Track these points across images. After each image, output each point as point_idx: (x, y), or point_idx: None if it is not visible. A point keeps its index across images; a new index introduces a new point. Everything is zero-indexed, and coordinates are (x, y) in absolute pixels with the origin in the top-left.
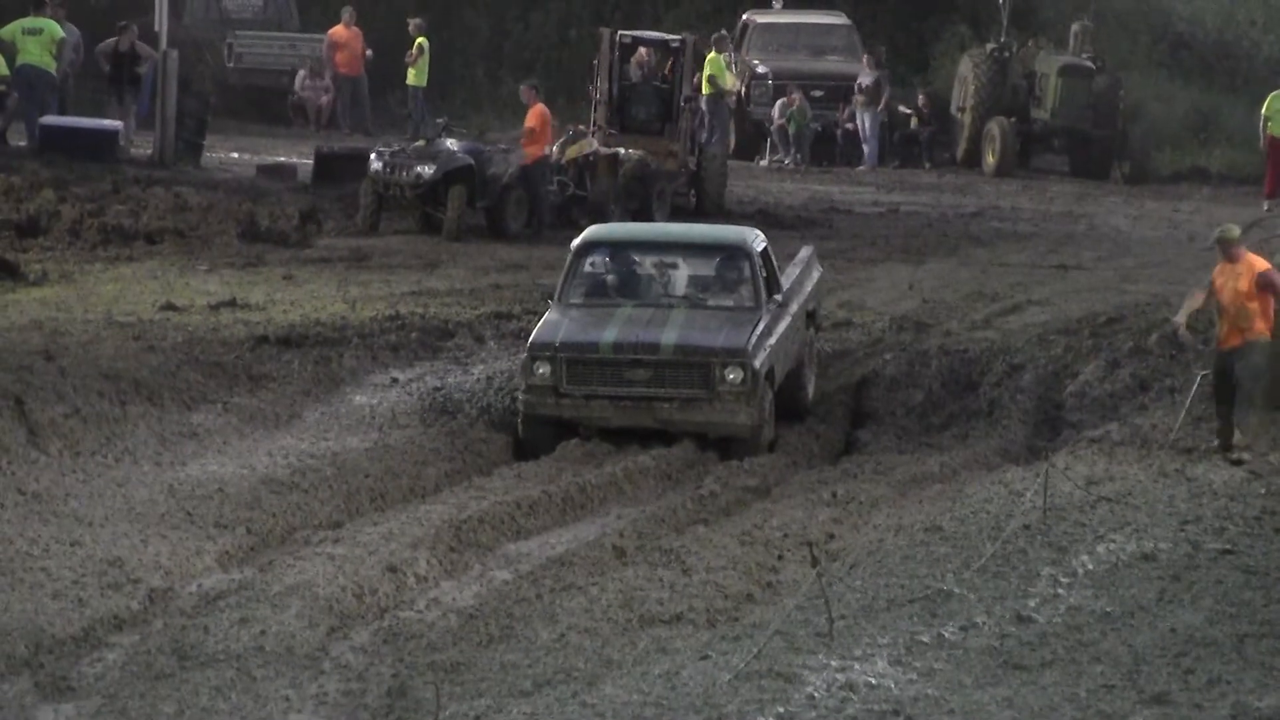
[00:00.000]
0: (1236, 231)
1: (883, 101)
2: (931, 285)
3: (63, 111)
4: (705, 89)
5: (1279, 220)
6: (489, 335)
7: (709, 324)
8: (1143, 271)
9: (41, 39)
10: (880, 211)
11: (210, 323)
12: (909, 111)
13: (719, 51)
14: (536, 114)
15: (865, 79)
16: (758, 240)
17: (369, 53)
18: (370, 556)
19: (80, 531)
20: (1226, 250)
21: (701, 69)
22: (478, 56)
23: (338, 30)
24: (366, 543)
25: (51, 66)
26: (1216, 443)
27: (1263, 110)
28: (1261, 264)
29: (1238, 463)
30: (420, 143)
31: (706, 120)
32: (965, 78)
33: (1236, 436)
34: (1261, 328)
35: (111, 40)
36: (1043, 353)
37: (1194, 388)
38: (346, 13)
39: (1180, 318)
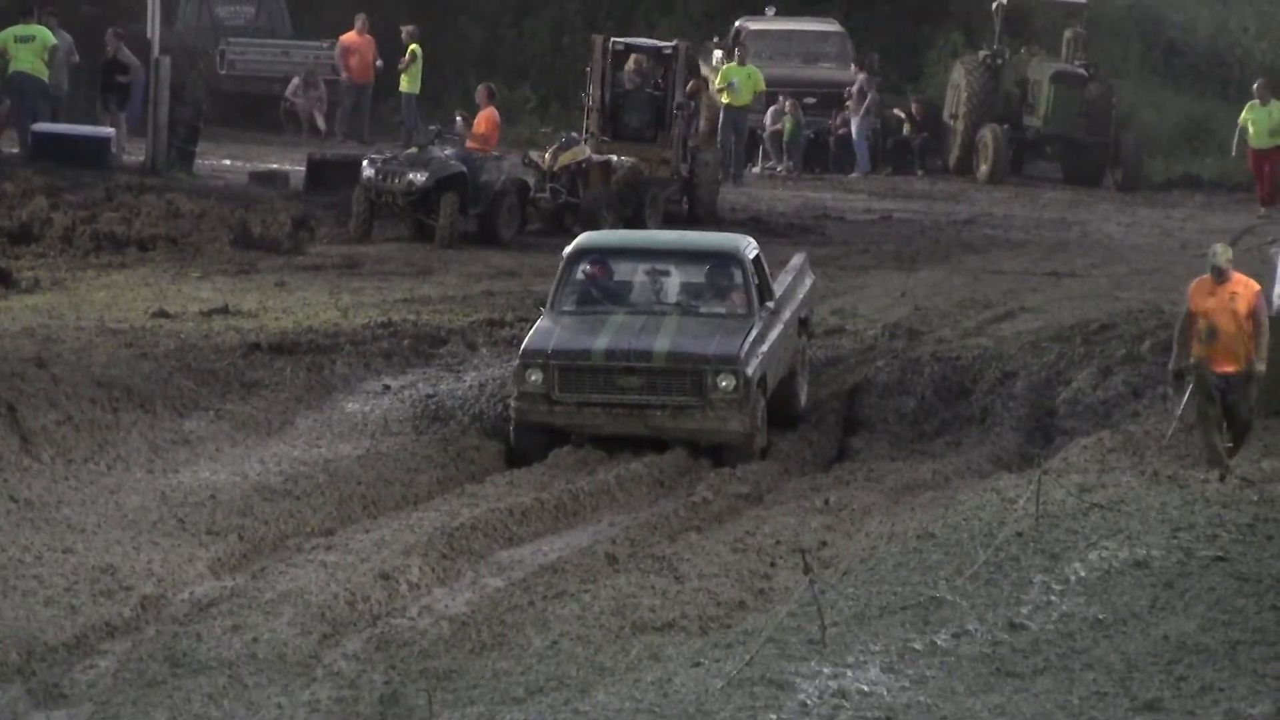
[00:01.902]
0: (1230, 254)
1: (864, 107)
2: (924, 292)
3: (55, 118)
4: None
5: (1269, 225)
6: (481, 342)
7: (701, 331)
8: (1135, 279)
9: (34, 46)
10: (873, 218)
11: (202, 330)
12: (902, 116)
13: (739, 62)
14: (485, 118)
15: (855, 86)
16: (750, 247)
17: (379, 63)
18: (362, 564)
19: (72, 539)
20: (1220, 272)
21: (695, 75)
22: (470, 63)
23: (349, 36)
24: (359, 550)
25: (43, 73)
26: (1214, 474)
27: (1240, 120)
28: (1253, 284)
29: (1221, 479)
30: (413, 150)
31: (720, 129)
32: (958, 85)
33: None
34: (1253, 354)
35: None
36: (1035, 360)
37: (1186, 395)
38: (360, 20)
39: (1174, 363)
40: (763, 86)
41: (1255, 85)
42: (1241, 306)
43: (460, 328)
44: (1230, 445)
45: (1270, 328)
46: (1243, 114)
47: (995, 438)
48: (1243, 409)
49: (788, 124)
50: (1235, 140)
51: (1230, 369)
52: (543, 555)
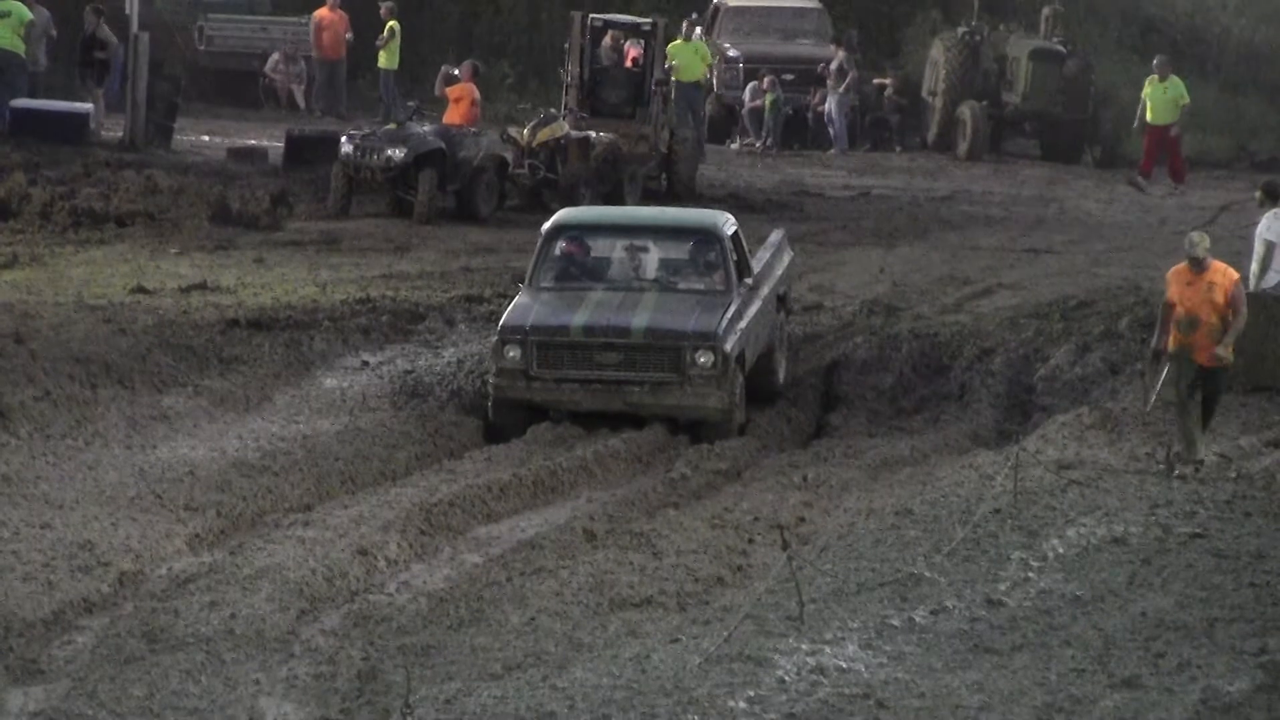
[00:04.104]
0: (1208, 242)
1: (845, 85)
2: (902, 269)
3: (33, 94)
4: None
5: (1247, 203)
6: (459, 318)
7: (680, 308)
8: (1113, 255)
9: (10, 21)
10: (851, 195)
11: (181, 306)
12: (886, 83)
13: (686, 39)
14: (459, 88)
15: (833, 63)
16: (728, 224)
17: (349, 36)
18: (340, 539)
19: (50, 514)
20: (1198, 262)
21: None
22: (448, 40)
23: (322, 12)
24: (337, 526)
25: (21, 49)
26: (1174, 452)
27: (1141, 96)
28: (1231, 272)
29: (1182, 477)
30: (391, 126)
31: (674, 106)
32: (936, 62)
33: (1179, 450)
34: (1229, 344)
35: None
36: (1013, 336)
37: (1164, 372)
38: None
39: (1164, 342)
40: (710, 60)
41: (1154, 61)
42: (1220, 296)
43: (439, 304)
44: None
45: (1251, 303)
46: (1144, 90)
47: (973, 414)
48: (1216, 400)
49: (768, 100)
50: (1137, 116)
51: (1213, 363)
52: (521, 531)
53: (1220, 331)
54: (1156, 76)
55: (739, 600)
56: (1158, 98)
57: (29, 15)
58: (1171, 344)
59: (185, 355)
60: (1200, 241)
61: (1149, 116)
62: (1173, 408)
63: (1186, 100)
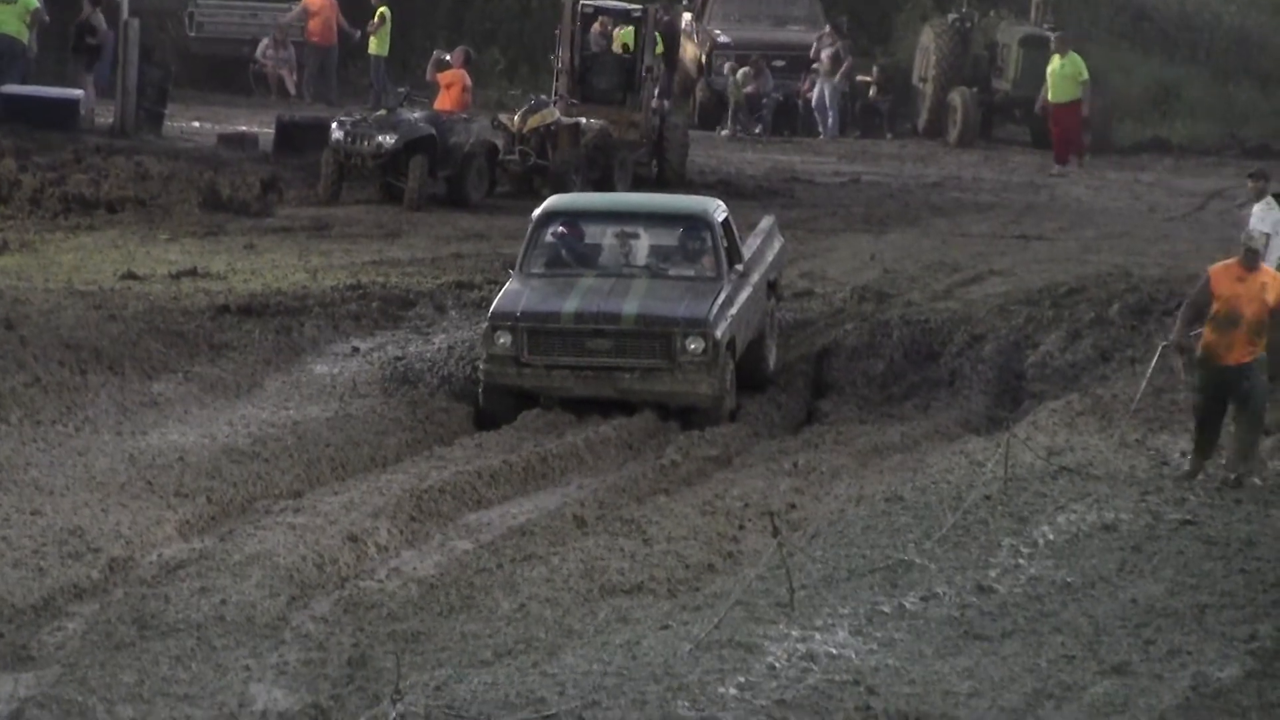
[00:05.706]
0: (1263, 240)
1: (841, 72)
2: (893, 255)
3: (25, 80)
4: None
5: (1238, 192)
6: (450, 305)
7: (670, 294)
8: (1104, 242)
9: (15, 8)
10: (842, 182)
11: (171, 292)
12: (869, 79)
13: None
14: (450, 74)
15: (825, 50)
16: (719, 210)
17: (344, 24)
18: (331, 526)
19: (40, 500)
20: (1254, 258)
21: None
22: (440, 26)
23: None
24: (327, 512)
25: (25, 36)
26: (1188, 468)
27: (1048, 71)
28: None
29: (1236, 484)
30: (382, 112)
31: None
32: (927, 48)
33: (1235, 462)
34: (1262, 343)
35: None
36: (1004, 323)
37: (1155, 358)
38: None
39: (1177, 337)
40: (661, 48)
41: (1053, 37)
42: (1271, 297)
43: (429, 290)
44: (1245, 439)
45: None
46: (1049, 68)
47: (964, 401)
48: (1256, 396)
49: (732, 86)
50: (1040, 95)
51: (1245, 359)
52: (511, 518)
53: (1258, 331)
54: (1057, 54)
55: (729, 586)
56: (1056, 75)
57: (35, 3)
58: (1200, 347)
59: (175, 341)
60: (1260, 237)
61: (1050, 95)
62: (1162, 395)
63: (1085, 76)
